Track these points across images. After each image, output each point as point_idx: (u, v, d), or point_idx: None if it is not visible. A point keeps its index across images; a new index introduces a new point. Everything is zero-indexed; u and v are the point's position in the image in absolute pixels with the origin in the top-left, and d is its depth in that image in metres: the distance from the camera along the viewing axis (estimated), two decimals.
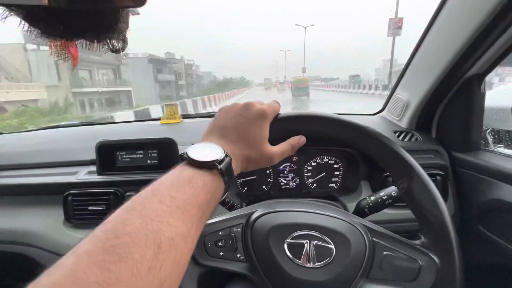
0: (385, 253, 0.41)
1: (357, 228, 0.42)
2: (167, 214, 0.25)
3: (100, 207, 0.71)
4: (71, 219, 0.72)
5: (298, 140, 0.46)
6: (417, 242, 0.42)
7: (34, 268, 0.76)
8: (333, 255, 0.40)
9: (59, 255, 0.72)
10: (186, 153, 0.33)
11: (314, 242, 0.40)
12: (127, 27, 0.63)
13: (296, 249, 0.40)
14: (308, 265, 0.39)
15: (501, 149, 0.75)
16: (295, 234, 0.41)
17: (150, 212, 0.25)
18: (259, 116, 0.40)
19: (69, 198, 0.71)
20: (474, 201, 0.73)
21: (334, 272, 0.39)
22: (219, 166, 0.32)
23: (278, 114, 0.44)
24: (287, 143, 0.45)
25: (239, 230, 0.42)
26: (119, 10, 0.58)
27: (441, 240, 0.39)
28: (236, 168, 0.37)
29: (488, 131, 0.80)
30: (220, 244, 0.41)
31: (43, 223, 0.74)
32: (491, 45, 0.60)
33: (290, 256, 0.40)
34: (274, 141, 0.43)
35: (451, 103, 0.79)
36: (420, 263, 0.40)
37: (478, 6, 0.55)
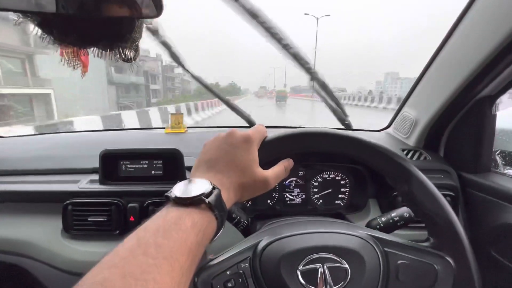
0: (399, 262, 0.40)
1: (367, 242, 0.41)
2: (153, 270, 0.23)
3: (101, 218, 0.69)
4: (70, 229, 0.69)
5: (289, 161, 0.46)
6: (427, 244, 0.43)
7: (26, 280, 0.73)
8: (349, 275, 0.38)
9: (54, 267, 0.69)
10: (171, 192, 0.31)
11: (328, 264, 0.39)
12: (140, 36, 0.62)
13: (310, 275, 0.38)
14: None
15: None
16: (306, 259, 0.39)
17: (134, 268, 0.22)
18: (244, 140, 0.39)
19: (69, 207, 0.69)
20: (485, 225, 0.71)
21: None
22: (207, 200, 0.30)
23: (266, 137, 0.43)
24: (279, 165, 0.44)
25: (247, 265, 0.40)
26: (134, 20, 0.58)
27: (451, 239, 0.40)
28: (229, 199, 0.35)
29: (497, 153, 0.79)
30: (229, 285, 0.38)
31: (39, 232, 0.71)
32: (505, 68, 0.60)
33: (306, 284, 0.38)
34: (267, 165, 0.42)
35: (461, 123, 0.78)
36: (436, 267, 0.40)
37: (494, 28, 0.55)
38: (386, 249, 0.41)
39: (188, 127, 1.14)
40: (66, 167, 0.80)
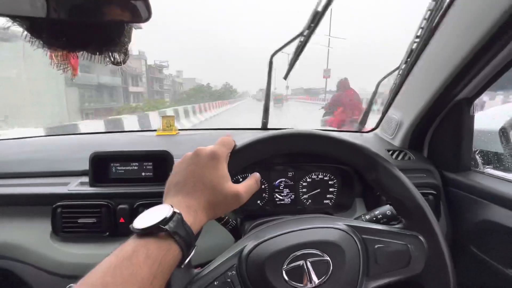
0: (376, 246, 0.43)
1: (346, 232, 0.43)
2: None
3: (91, 220, 0.69)
4: (59, 232, 0.69)
5: (257, 174, 0.46)
6: (400, 226, 0.46)
7: (15, 284, 0.73)
8: (331, 266, 0.40)
9: (43, 270, 0.69)
10: (131, 224, 0.31)
11: (310, 259, 0.40)
12: (129, 40, 0.64)
13: (295, 273, 0.39)
14: (311, 285, 0.39)
15: (491, 170, 0.77)
16: (290, 258, 0.40)
17: None
18: (210, 158, 0.39)
19: (58, 210, 0.69)
20: (465, 222, 0.74)
21: (338, 283, 0.40)
22: (165, 227, 0.30)
23: (235, 146, 0.44)
24: (251, 178, 0.44)
25: (234, 272, 0.40)
26: (123, 24, 0.59)
27: (419, 218, 0.44)
28: (199, 221, 0.35)
29: (477, 152, 0.82)
30: None
31: (28, 235, 0.71)
32: (479, 71, 0.63)
33: (292, 282, 0.39)
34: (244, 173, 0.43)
35: (442, 124, 0.81)
36: (409, 246, 0.43)
37: (468, 34, 0.58)
38: (364, 236, 0.43)
39: (179, 129, 1.15)
40: (55, 170, 0.80)
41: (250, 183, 0.43)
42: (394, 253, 0.43)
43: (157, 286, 0.29)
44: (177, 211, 0.33)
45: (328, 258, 0.40)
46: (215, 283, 0.39)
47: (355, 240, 0.42)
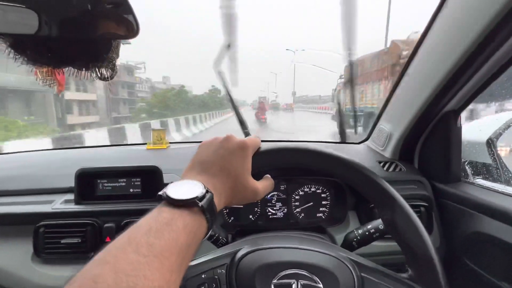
0: None
1: (345, 264, 0.41)
2: (144, 267, 0.24)
3: (75, 240, 0.66)
4: (41, 253, 0.66)
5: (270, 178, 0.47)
6: (405, 275, 0.42)
7: None
8: None
9: None
10: (165, 192, 0.32)
11: (302, 281, 0.39)
12: (117, 56, 0.63)
13: None
14: None
15: (480, 181, 0.78)
16: (282, 274, 0.39)
17: (125, 265, 0.23)
18: (241, 147, 0.40)
19: (41, 229, 0.66)
20: (458, 233, 0.74)
21: None
22: (200, 204, 0.31)
23: (259, 148, 0.44)
24: (269, 179, 0.45)
25: (223, 271, 0.40)
26: (110, 40, 0.58)
27: (428, 273, 0.39)
28: (220, 203, 0.36)
29: (466, 163, 0.83)
30: None
31: (8, 257, 0.68)
32: (465, 83, 0.64)
33: None
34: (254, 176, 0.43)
35: (431, 135, 0.82)
36: None
37: (454, 47, 0.59)
38: (363, 274, 0.41)
39: (170, 143, 1.13)
40: (39, 187, 0.77)
41: (267, 183, 0.44)
42: None
43: (189, 255, 0.30)
44: (210, 190, 0.33)
45: (321, 285, 0.39)
46: (202, 276, 0.38)
47: (353, 275, 0.40)
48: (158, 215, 0.29)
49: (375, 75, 8.28)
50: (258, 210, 0.85)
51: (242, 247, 0.42)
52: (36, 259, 0.67)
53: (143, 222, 0.28)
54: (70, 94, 19.94)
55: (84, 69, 0.57)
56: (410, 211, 0.41)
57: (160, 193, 0.32)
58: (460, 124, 0.76)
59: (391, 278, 0.41)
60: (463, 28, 0.57)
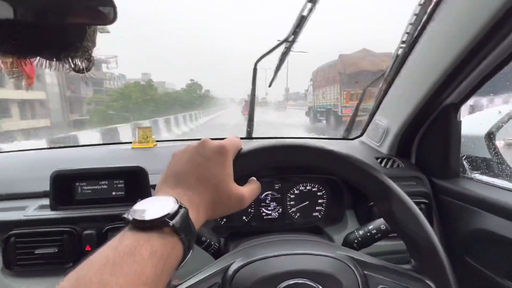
0: (380, 286, 0.38)
1: (346, 264, 0.39)
2: None
3: (51, 250, 0.60)
4: (12, 266, 0.60)
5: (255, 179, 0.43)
6: (408, 266, 0.40)
7: None
8: None
9: None
10: (129, 213, 0.27)
11: None
12: (93, 45, 0.56)
13: None
14: None
15: (479, 176, 0.76)
16: (282, 286, 0.36)
17: None
18: (218, 152, 0.35)
19: (11, 239, 0.59)
20: (458, 231, 0.72)
21: None
22: (171, 222, 0.26)
23: (241, 149, 0.40)
24: (254, 182, 0.41)
25: None
26: (85, 27, 0.52)
27: (432, 261, 0.38)
28: (199, 218, 0.31)
29: (464, 158, 0.82)
30: None
31: None
32: (466, 76, 0.62)
33: None
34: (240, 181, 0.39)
35: (429, 130, 0.80)
36: None
37: (455, 39, 0.57)
38: (366, 272, 0.38)
39: (157, 141, 1.07)
40: (11, 192, 0.70)
41: (253, 187, 0.40)
42: None
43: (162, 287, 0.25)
44: (183, 205, 0.29)
45: None
46: None
47: (355, 275, 0.37)
48: (118, 243, 0.25)
49: (331, 80, 11.42)
50: (252, 210, 0.81)
51: (234, 261, 0.38)
52: (7, 272, 0.60)
53: (98, 255, 0.24)
54: (4, 93, 14.99)
55: (55, 59, 0.51)
56: (408, 199, 0.40)
57: (124, 215, 0.27)
58: (460, 118, 0.74)
59: (394, 272, 0.39)
60: (467, 17, 0.54)
